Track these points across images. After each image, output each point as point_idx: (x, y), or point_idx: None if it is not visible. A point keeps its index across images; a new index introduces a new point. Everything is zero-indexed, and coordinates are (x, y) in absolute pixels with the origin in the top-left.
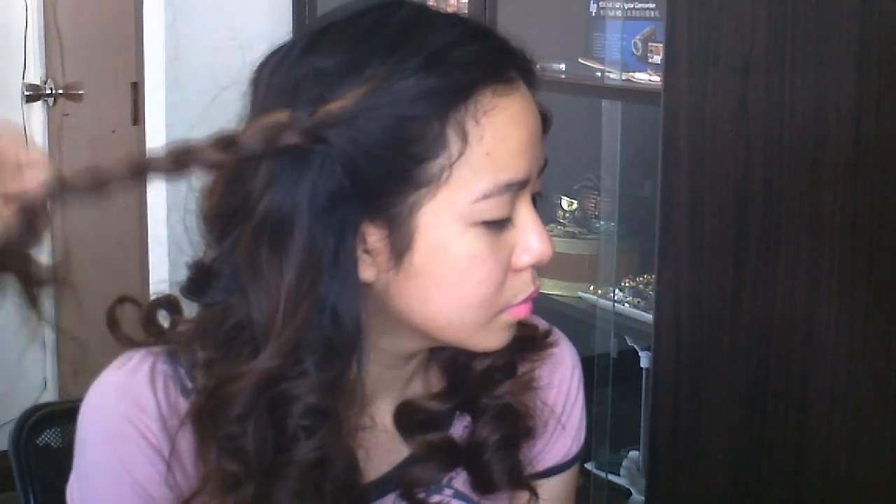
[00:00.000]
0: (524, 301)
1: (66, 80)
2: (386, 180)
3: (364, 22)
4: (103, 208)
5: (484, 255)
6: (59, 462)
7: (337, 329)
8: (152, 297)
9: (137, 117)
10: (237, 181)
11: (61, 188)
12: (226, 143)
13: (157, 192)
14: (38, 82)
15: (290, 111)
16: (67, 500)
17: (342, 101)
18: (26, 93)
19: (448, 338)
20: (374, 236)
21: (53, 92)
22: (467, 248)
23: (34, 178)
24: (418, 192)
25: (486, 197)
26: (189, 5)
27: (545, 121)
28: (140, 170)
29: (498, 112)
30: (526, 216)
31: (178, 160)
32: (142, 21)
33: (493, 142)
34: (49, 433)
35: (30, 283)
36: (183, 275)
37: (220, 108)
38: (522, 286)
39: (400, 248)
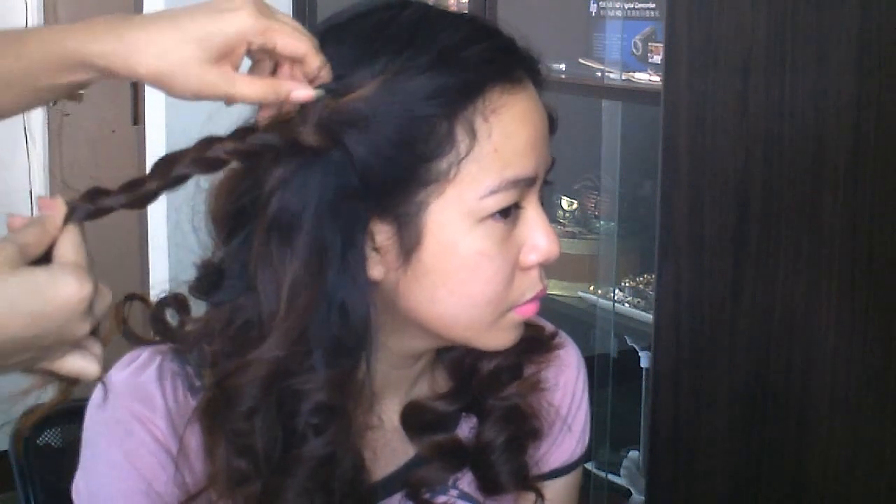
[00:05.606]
0: (531, 300)
1: None
2: (396, 179)
3: (370, 20)
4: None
5: (492, 253)
6: (59, 462)
7: (345, 326)
8: (161, 296)
9: (137, 117)
10: (248, 178)
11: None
12: (244, 132)
13: None
14: None
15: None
16: (73, 496)
17: (355, 92)
18: None
19: (455, 336)
20: (382, 234)
21: None
22: (475, 246)
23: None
24: (427, 190)
25: (493, 193)
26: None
27: (551, 122)
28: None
29: (506, 110)
30: (533, 215)
31: (202, 155)
32: None
33: (500, 139)
34: (49, 433)
35: None
36: (184, 274)
37: (224, 111)
38: (530, 285)
39: (408, 245)
